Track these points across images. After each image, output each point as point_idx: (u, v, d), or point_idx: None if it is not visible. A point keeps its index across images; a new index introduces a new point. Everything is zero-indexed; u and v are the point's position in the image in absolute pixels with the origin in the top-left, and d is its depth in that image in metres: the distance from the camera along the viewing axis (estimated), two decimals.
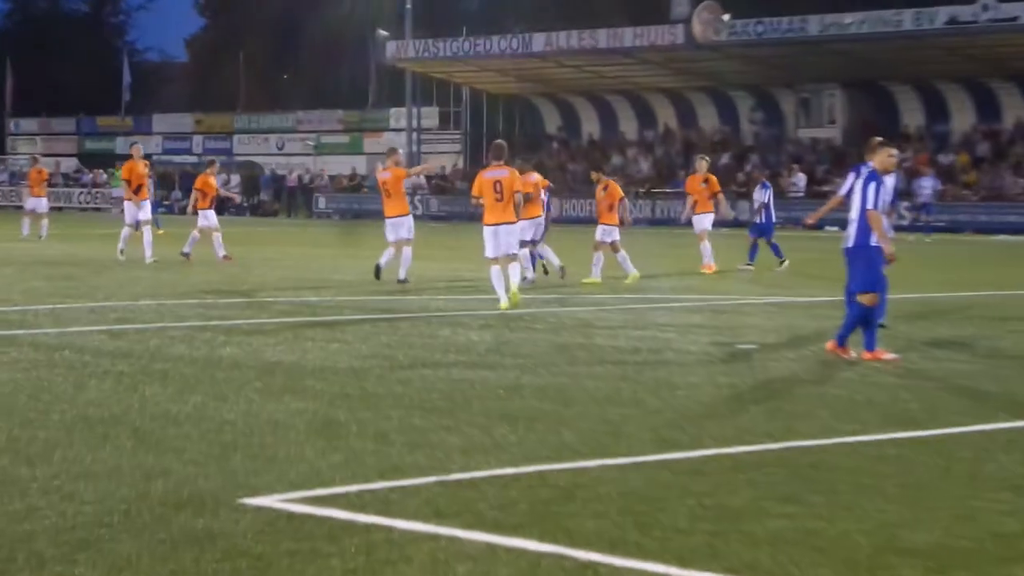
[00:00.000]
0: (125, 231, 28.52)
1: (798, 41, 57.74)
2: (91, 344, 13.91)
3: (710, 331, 16.02)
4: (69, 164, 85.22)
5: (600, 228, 24.19)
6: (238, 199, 29.72)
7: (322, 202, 69.89)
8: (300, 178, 72.29)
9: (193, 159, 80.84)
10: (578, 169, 64.80)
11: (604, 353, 13.82)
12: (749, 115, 66.09)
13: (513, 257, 19.14)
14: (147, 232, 28.02)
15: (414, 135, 69.07)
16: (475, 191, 19.27)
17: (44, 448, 8.54)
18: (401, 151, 26.95)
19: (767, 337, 15.48)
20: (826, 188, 56.42)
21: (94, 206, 75.40)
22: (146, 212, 28.42)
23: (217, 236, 28.90)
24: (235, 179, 70.54)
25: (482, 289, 20.04)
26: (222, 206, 75.14)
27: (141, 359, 12.76)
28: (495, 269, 18.97)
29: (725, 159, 60.46)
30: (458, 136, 74.02)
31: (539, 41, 63.86)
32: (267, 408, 10.07)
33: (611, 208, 24.24)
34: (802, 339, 15.41)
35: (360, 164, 74.78)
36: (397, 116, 75.46)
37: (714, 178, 27.89)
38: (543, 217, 23.63)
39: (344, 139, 78.84)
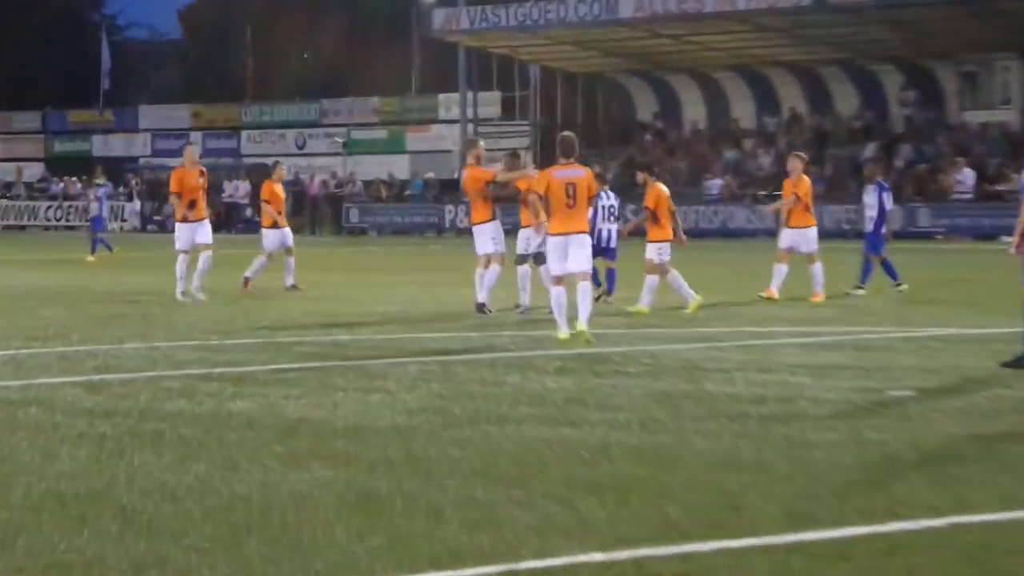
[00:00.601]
0: (180, 261, 26.90)
1: (961, 0, 57.47)
2: (63, 400, 13.99)
3: (853, 373, 15.93)
4: (34, 171, 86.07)
5: (650, 246, 23.95)
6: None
7: (354, 214, 69.97)
8: (325, 184, 72.36)
9: None
10: (681, 167, 64.76)
11: (717, 403, 13.78)
12: (899, 95, 65.83)
13: (584, 276, 19.28)
14: (205, 259, 26.84)
15: (470, 127, 69.22)
16: (541, 188, 19.55)
17: (4, 533, 8.60)
18: (483, 143, 26.56)
19: (927, 380, 15.39)
20: (1001, 187, 56.11)
21: (65, 223, 76.12)
22: (205, 234, 27.12)
23: (263, 260, 28.93)
24: (244, 187, 70.99)
25: None
26: (231, 219, 74.60)
27: (128, 418, 12.83)
28: (559, 290, 19.36)
29: (869, 151, 60.23)
30: (526, 127, 74.07)
31: (628, 5, 63.90)
32: (289, 478, 10.11)
33: (658, 219, 24.03)
34: (973, 383, 15.28)
35: (401, 166, 75.05)
36: (448, 104, 75.82)
37: (806, 182, 27.18)
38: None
39: (381, 134, 79.25)
